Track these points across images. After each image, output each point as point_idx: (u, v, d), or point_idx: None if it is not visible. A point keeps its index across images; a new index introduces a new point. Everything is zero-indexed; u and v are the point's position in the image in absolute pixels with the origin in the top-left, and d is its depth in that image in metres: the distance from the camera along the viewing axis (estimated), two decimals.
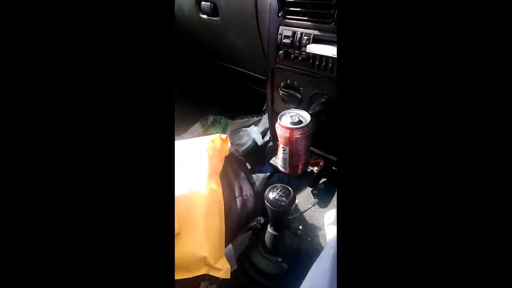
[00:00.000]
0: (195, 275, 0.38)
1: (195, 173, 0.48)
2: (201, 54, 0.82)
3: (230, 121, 1.00)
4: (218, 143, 0.55)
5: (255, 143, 0.88)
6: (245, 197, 0.49)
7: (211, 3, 0.59)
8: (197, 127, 1.00)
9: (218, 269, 0.38)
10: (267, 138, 0.89)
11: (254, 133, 0.89)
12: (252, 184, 0.53)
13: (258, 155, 0.86)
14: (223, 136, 0.57)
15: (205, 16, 0.63)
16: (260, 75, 0.70)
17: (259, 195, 0.51)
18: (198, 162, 0.50)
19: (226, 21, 0.60)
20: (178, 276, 0.39)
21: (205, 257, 0.38)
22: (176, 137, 1.00)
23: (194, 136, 0.98)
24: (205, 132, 1.00)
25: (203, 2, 0.61)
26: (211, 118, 1.05)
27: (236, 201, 0.48)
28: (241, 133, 0.92)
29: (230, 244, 0.44)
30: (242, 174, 0.54)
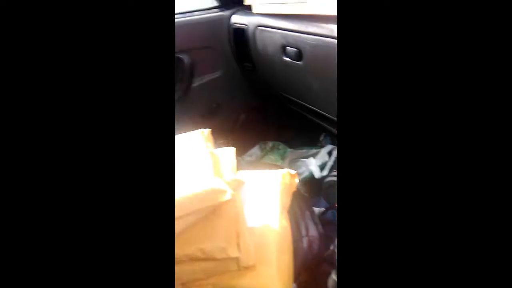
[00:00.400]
0: None
1: (267, 206, 0.52)
2: (273, 86, 0.88)
3: (288, 149, 1.04)
4: (287, 179, 0.58)
5: (311, 175, 0.90)
6: (311, 238, 0.52)
7: (297, 49, 0.64)
8: (256, 150, 1.05)
9: None
10: (325, 172, 0.91)
11: (312, 165, 0.91)
12: (316, 224, 0.55)
13: (314, 188, 0.88)
14: (292, 172, 0.60)
15: (287, 59, 0.68)
16: (329, 114, 0.73)
17: (324, 237, 0.53)
18: (269, 196, 0.54)
19: (308, 66, 0.64)
20: None
21: None
22: (236, 157, 1.07)
23: (252, 159, 1.04)
24: (263, 157, 1.04)
25: (288, 48, 0.66)
26: (270, 144, 1.10)
27: (303, 241, 0.51)
28: (299, 163, 0.95)
29: (294, 283, 0.47)
30: (307, 213, 0.57)
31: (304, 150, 0.96)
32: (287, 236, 0.48)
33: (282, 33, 0.66)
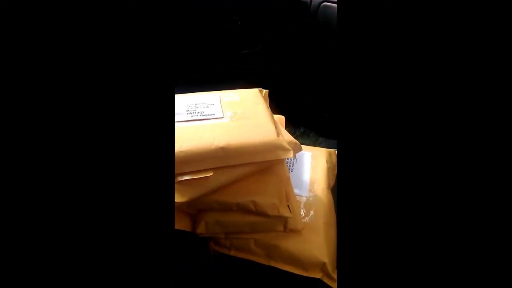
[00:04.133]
0: (310, 276, 0.40)
1: (315, 180, 0.51)
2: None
3: (320, 137, 1.02)
4: (334, 158, 0.57)
5: None
6: None
7: None
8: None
9: (334, 280, 0.39)
10: None
11: None
12: None
13: None
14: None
15: None
16: None
17: None
18: (317, 170, 0.53)
19: None
20: (292, 270, 0.41)
21: (324, 263, 0.39)
22: None
23: None
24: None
25: None
26: (301, 129, 1.08)
27: None
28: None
29: None
30: None
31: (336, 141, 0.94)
32: (332, 212, 0.47)
33: None
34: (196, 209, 0.42)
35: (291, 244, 0.41)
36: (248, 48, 0.88)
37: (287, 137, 0.44)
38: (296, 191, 0.48)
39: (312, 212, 0.46)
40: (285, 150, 0.41)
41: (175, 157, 0.38)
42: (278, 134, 0.42)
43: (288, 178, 0.46)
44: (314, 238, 0.42)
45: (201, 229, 0.41)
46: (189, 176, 0.38)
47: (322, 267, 0.40)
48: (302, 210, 0.46)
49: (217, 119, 0.44)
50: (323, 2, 0.72)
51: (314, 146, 0.96)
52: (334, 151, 0.59)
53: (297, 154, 0.56)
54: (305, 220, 0.44)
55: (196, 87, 0.54)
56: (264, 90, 0.54)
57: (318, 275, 0.40)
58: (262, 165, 0.42)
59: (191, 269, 0.43)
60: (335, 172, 0.58)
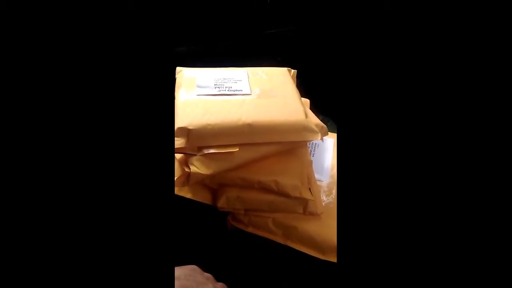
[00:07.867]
0: (326, 259, 0.40)
1: (332, 166, 0.50)
2: None
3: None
4: None
5: None
6: None
7: None
8: None
9: None
10: None
11: None
12: None
13: None
14: None
15: None
16: None
17: None
18: (333, 157, 0.52)
19: None
20: (309, 252, 0.41)
21: None
22: None
23: None
24: None
25: None
26: (320, 117, 1.06)
27: None
28: None
29: None
30: None
31: None
32: None
33: None
34: (218, 183, 0.42)
35: (310, 227, 0.41)
36: (274, 28, 0.86)
37: (314, 119, 0.43)
38: (317, 176, 0.47)
39: (332, 197, 0.45)
40: (313, 132, 0.40)
41: (202, 129, 0.38)
42: (306, 115, 0.41)
43: (310, 162, 0.46)
44: (333, 223, 0.41)
45: (222, 203, 0.41)
46: (215, 149, 0.38)
47: None
48: (322, 195, 0.46)
49: (245, 96, 0.43)
50: None
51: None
52: None
53: (319, 140, 0.56)
54: (325, 205, 0.44)
55: (219, 64, 0.53)
56: (293, 70, 0.52)
57: (334, 259, 0.40)
58: (288, 145, 0.42)
59: (207, 242, 0.44)
60: None
